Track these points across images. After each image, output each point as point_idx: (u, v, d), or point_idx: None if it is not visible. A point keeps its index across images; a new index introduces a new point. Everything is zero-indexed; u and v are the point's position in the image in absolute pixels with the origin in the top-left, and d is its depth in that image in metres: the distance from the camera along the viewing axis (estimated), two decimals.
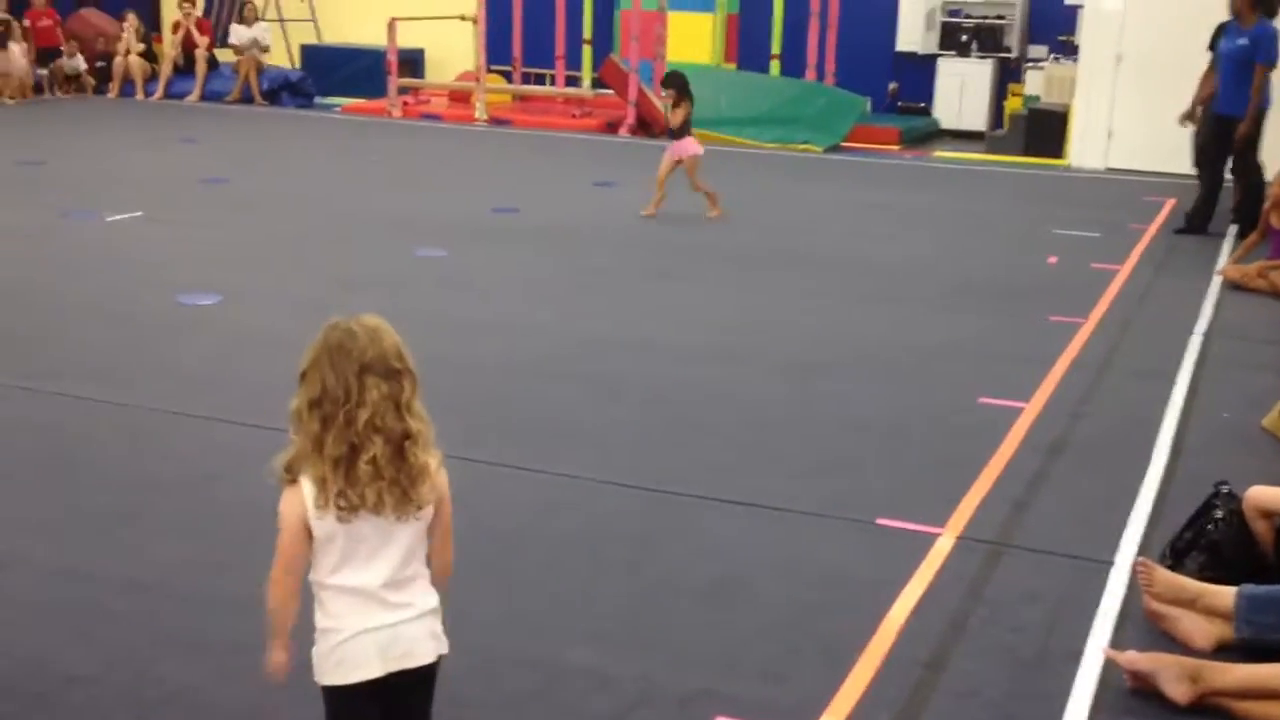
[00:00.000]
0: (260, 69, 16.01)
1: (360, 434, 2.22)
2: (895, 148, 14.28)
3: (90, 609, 3.61)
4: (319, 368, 2.23)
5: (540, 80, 16.55)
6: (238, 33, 16.07)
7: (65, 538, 4.08)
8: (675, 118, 9.57)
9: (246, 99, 15.90)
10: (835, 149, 13.78)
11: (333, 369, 2.22)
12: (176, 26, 16.46)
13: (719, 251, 8.65)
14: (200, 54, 16.10)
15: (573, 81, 16.03)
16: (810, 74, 14.53)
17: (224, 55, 16.46)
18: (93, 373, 5.72)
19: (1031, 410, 5.51)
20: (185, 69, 16.25)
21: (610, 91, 15.12)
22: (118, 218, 8.99)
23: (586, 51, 15.68)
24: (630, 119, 14.51)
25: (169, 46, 16.65)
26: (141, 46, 16.31)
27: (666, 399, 5.63)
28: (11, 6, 15.94)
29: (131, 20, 16.19)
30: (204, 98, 16.01)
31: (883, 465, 4.91)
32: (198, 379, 5.71)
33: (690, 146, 9.52)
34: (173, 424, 5.13)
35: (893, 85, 16.17)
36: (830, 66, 14.66)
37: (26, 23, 15.78)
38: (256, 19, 16.16)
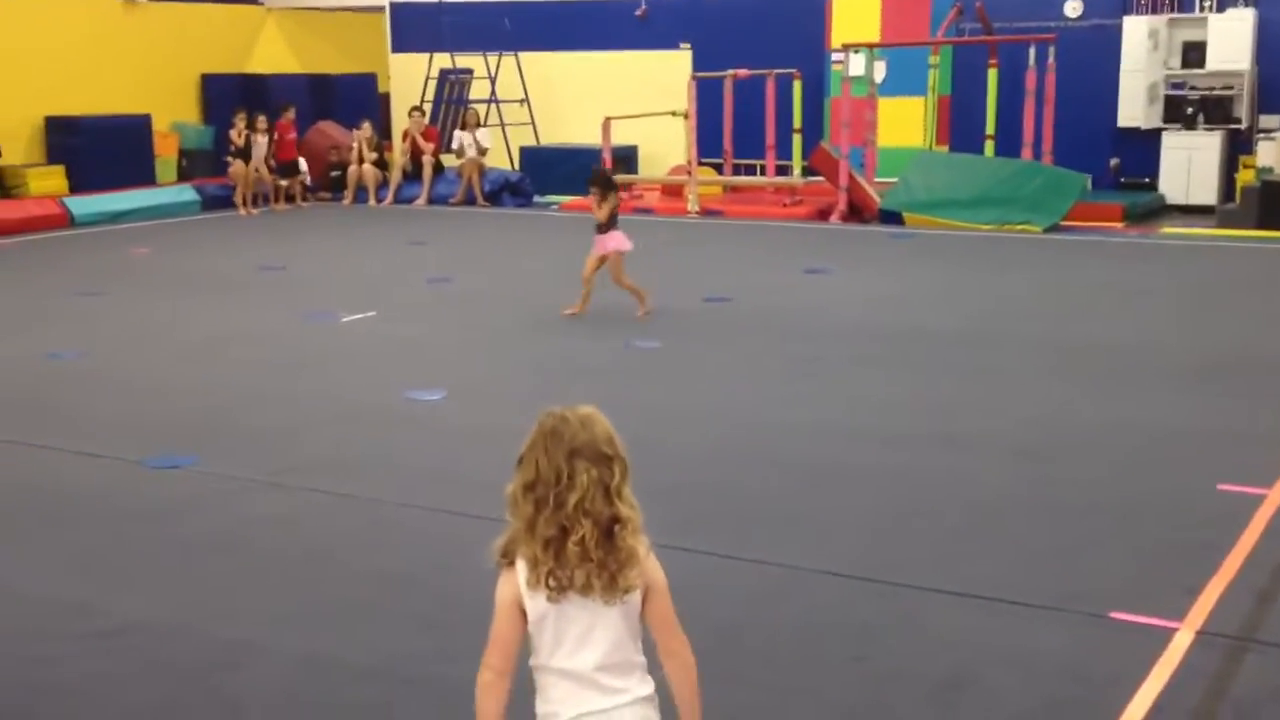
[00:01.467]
0: (482, 172, 16.70)
1: (570, 516, 2.28)
2: (1119, 225, 13.83)
3: (330, 698, 3.76)
4: (534, 452, 2.31)
5: (751, 171, 16.74)
6: (461, 139, 16.82)
7: (306, 627, 4.26)
8: (601, 213, 9.27)
9: (470, 201, 16.59)
10: (1055, 228, 13.44)
11: (546, 454, 2.29)
12: (405, 135, 17.34)
13: (935, 335, 8.51)
14: (427, 160, 16.90)
15: (783, 170, 16.15)
16: (1027, 153, 14.27)
17: (449, 160, 17.23)
18: (330, 467, 5.99)
19: (1275, 497, 5.20)
20: (414, 175, 17.07)
21: (821, 179, 15.16)
22: (352, 318, 9.45)
23: (796, 140, 15.80)
24: (842, 205, 14.51)
25: (398, 154, 17.54)
26: (374, 155, 17.23)
27: (885, 485, 5.54)
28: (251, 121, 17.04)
29: (365, 131, 17.15)
30: (431, 201, 16.77)
31: (1116, 554, 4.70)
32: (427, 472, 5.91)
33: (614, 242, 9.23)
34: (405, 516, 5.32)
35: (1114, 161, 15.71)
36: (1047, 144, 14.36)
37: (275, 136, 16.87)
38: (478, 125, 16.89)
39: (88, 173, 16.28)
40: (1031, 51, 14.24)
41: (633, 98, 16.33)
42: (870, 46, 15.13)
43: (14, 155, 16.26)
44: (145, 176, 16.99)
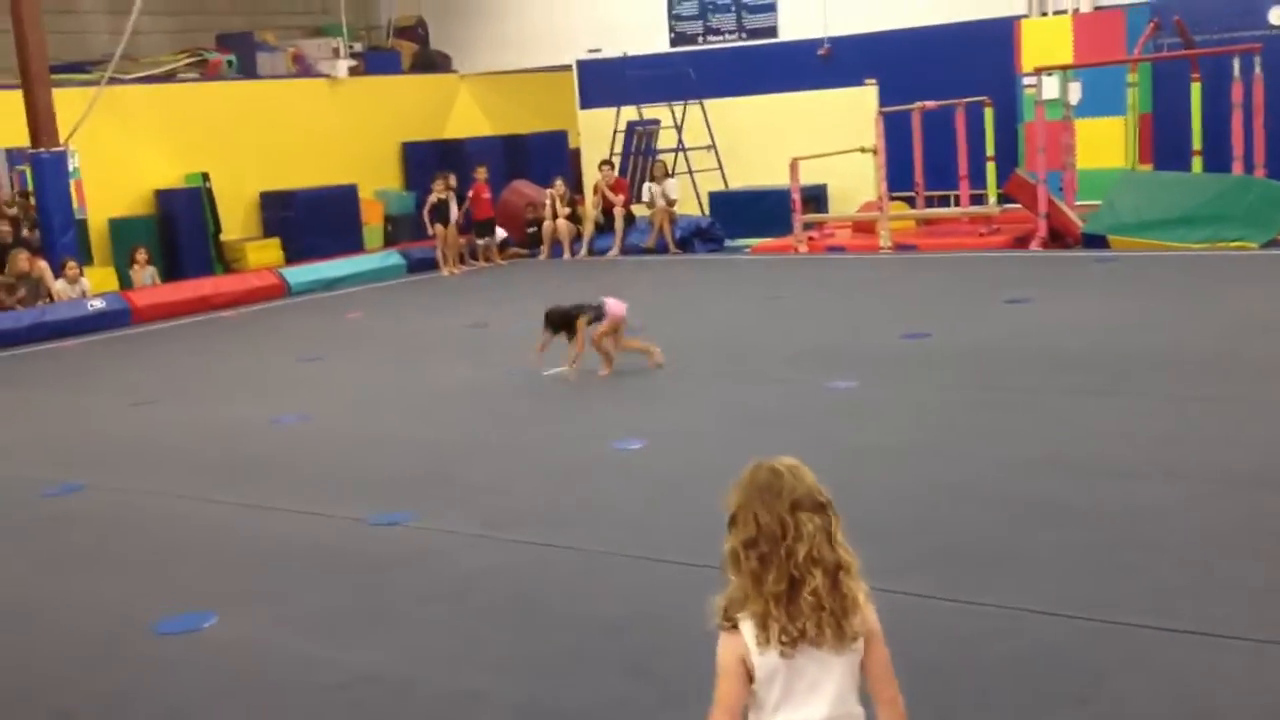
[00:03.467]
0: (673, 220, 16.89)
1: (800, 567, 2.29)
2: None
3: None
4: (750, 508, 2.32)
5: (944, 202, 16.48)
6: (650, 191, 17.08)
7: (524, 676, 4.37)
8: (544, 346, 9.42)
9: (662, 249, 16.79)
10: (1273, 244, 12.80)
11: (765, 508, 2.30)
12: (595, 189, 17.70)
13: (1149, 361, 8.20)
14: (618, 212, 17.19)
15: (977, 200, 15.85)
16: (1237, 167, 13.66)
17: (640, 210, 17.50)
18: (539, 518, 6.13)
19: None
20: (606, 227, 17.39)
21: (1018, 206, 14.82)
22: (553, 371, 9.65)
23: (990, 168, 15.50)
24: (1041, 232, 14.14)
25: (590, 208, 17.90)
26: (567, 210, 17.62)
27: (1102, 520, 5.36)
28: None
29: (557, 187, 17.58)
30: (624, 251, 17.03)
31: None
32: (634, 521, 5.99)
33: (613, 309, 9.29)
34: (614, 565, 5.41)
35: None
36: (1259, 157, 13.72)
37: (470, 194, 17.43)
38: (666, 176, 17.12)
39: (301, 243, 17.15)
40: (1236, 63, 13.66)
41: (820, 136, 16.31)
42: (1064, 68, 14.76)
43: (233, 230, 17.26)
44: (354, 244, 17.79)
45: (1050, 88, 14.62)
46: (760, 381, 8.76)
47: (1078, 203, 14.37)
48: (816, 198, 16.85)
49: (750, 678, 2.33)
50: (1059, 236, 14.11)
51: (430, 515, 6.28)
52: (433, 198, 16.68)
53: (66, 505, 7.06)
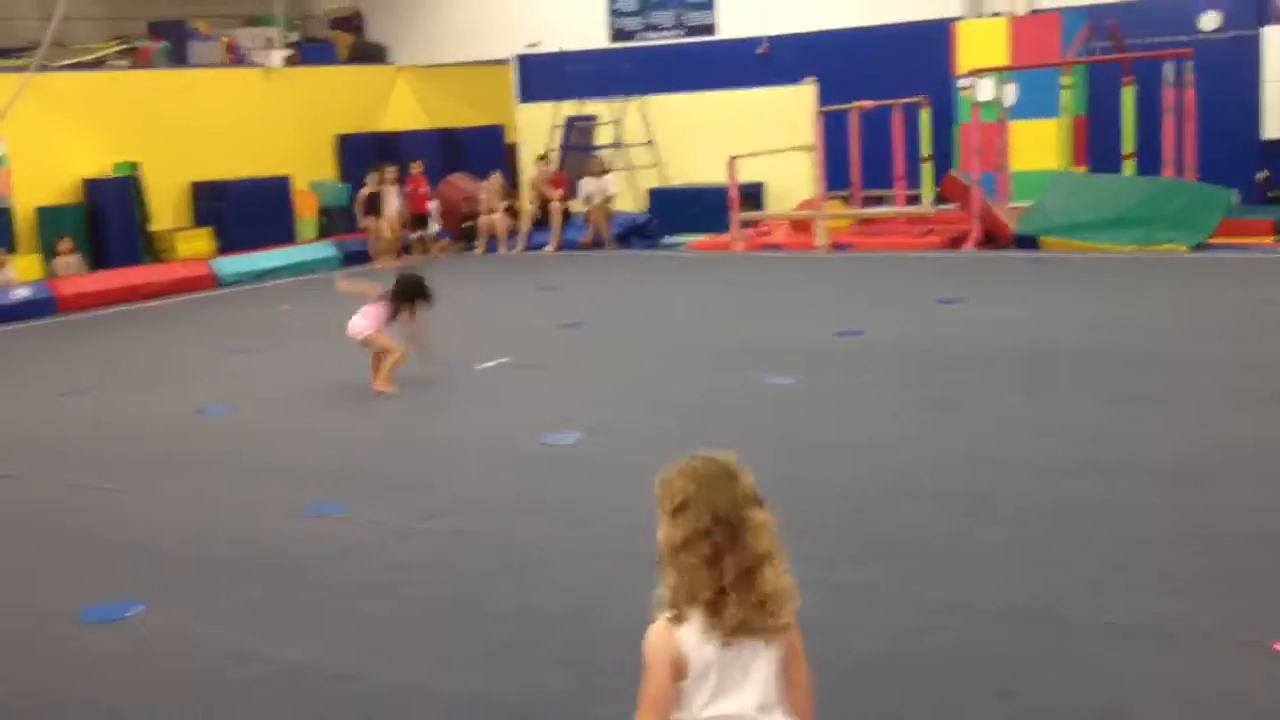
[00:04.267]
0: (610, 216, 16.87)
1: (751, 558, 2.31)
2: (1270, 240, 13.34)
3: None
4: (703, 499, 2.31)
5: (879, 202, 16.60)
6: (587, 187, 17.04)
7: (462, 669, 4.33)
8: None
9: (599, 245, 16.76)
10: (1203, 246, 13.03)
11: (720, 498, 2.31)
12: (534, 184, 17.63)
13: (1079, 361, 8.31)
14: (555, 207, 17.14)
15: (913, 200, 15.98)
16: (1169, 170, 13.89)
17: (577, 206, 17.46)
18: (472, 511, 6.09)
19: None
20: (543, 222, 17.33)
21: (953, 207, 14.96)
22: (487, 365, 9.59)
23: (926, 169, 15.63)
24: (976, 233, 14.29)
25: (527, 203, 17.83)
26: (504, 204, 17.54)
27: (1031, 516, 5.42)
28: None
29: (494, 181, 17.48)
30: (560, 247, 16.98)
31: (1278, 583, 4.51)
32: (568, 515, 5.96)
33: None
34: (549, 559, 5.38)
35: (1262, 174, 15.18)
36: (1190, 161, 13.96)
37: (408, 189, 17.28)
38: (604, 171, 17.09)
39: (233, 234, 16.90)
40: (1168, 67, 13.88)
41: (758, 135, 16.33)
42: (999, 70, 14.91)
43: (164, 220, 16.96)
44: (287, 235, 17.56)
45: (985, 89, 14.77)
46: (698, 376, 8.76)
47: (1012, 204, 14.53)
48: (754, 195, 16.89)
49: (680, 675, 2.33)
50: (993, 238, 14.27)
51: (361, 507, 6.21)
52: (365, 190, 16.54)
53: None
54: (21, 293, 13.84)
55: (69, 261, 15.12)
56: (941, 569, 4.88)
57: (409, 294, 8.95)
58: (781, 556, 2.35)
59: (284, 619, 4.91)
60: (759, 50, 17.96)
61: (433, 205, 17.58)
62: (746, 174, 16.03)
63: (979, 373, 8.23)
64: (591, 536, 5.54)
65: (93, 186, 16.35)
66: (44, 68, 15.43)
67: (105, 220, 16.16)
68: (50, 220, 15.62)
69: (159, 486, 6.87)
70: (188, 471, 7.14)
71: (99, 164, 16.50)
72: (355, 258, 16.88)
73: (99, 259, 15.76)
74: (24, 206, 15.58)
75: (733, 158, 15.55)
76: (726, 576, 2.29)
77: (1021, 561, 4.91)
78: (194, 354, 11.21)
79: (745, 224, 16.00)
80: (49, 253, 15.25)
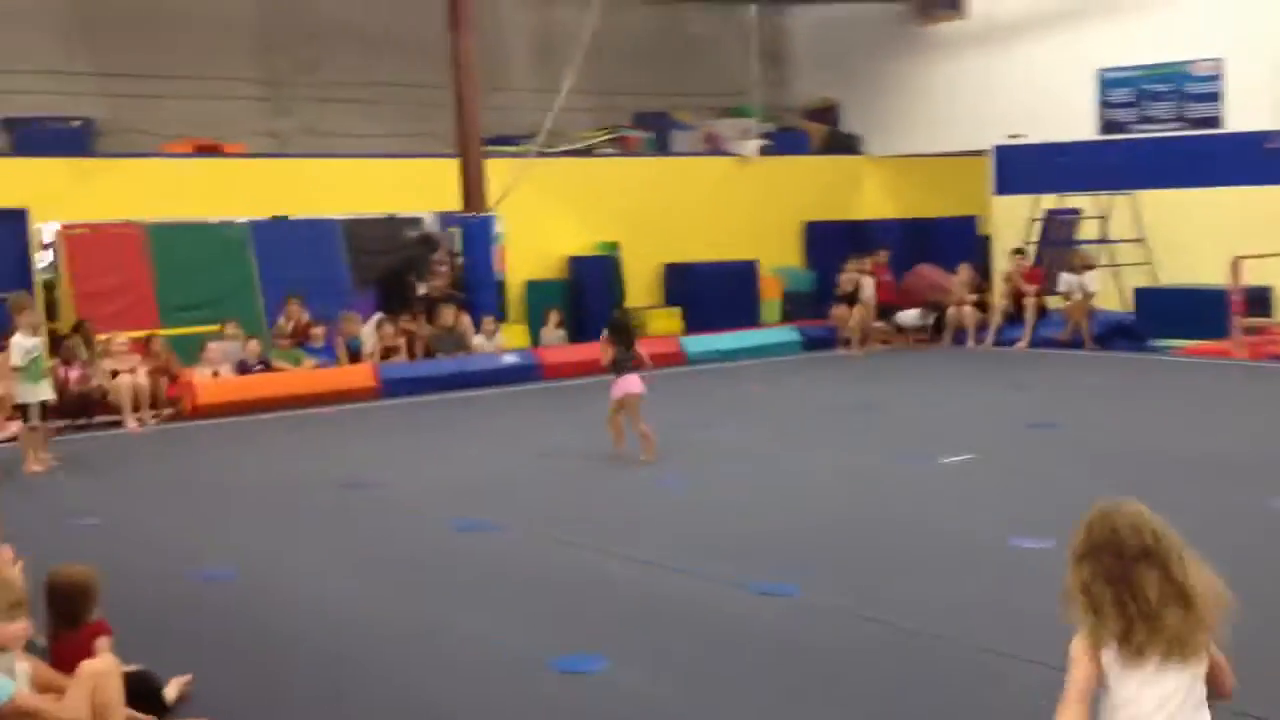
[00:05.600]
0: (1090, 314, 15.89)
1: (1188, 586, 2.77)
2: None
3: None
4: (1103, 550, 2.86)
5: None
6: (1068, 282, 16.16)
7: None
8: (605, 355, 9.73)
9: (1077, 344, 15.79)
10: None
11: (1117, 545, 2.85)
12: (1007, 277, 16.95)
13: None
14: (1029, 302, 16.36)
15: None
16: None
17: (1053, 302, 16.60)
18: (929, 609, 5.69)
19: None
20: (1015, 317, 16.59)
21: None
22: (949, 460, 9.11)
23: None
24: None
25: (998, 296, 17.15)
26: (974, 297, 16.96)
27: None
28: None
29: (963, 273, 16.96)
30: (1033, 344, 16.16)
31: None
32: (1031, 622, 5.43)
33: (623, 386, 9.46)
34: (1008, 666, 4.95)
35: None
36: None
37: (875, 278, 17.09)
38: (1086, 267, 16.14)
39: (700, 314, 17.39)
40: None
41: (1267, 235, 14.87)
42: None
43: (638, 298, 17.72)
44: (751, 318, 17.85)
45: None
46: (1184, 494, 7.82)
47: None
48: (1261, 300, 15.33)
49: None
50: None
51: (814, 591, 5.98)
52: (845, 277, 16.47)
53: (469, 541, 7.30)
54: (510, 359, 14.85)
55: (556, 333, 16.09)
56: None
57: (612, 328, 9.79)
58: (1200, 594, 2.74)
59: (731, 686, 4.75)
60: (1268, 144, 16.41)
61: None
62: (1252, 276, 14.61)
63: None
64: (1051, 646, 4.99)
65: (576, 263, 17.38)
66: (541, 154, 16.62)
67: (586, 295, 17.09)
68: (537, 293, 16.72)
69: (620, 546, 6.98)
70: (647, 536, 7.21)
71: (583, 243, 17.53)
72: (816, 343, 16.88)
73: (578, 331, 16.66)
74: (515, 280, 16.79)
75: (1237, 258, 14.22)
76: (1131, 608, 2.77)
77: None
78: (662, 427, 11.43)
79: (1249, 330, 14.53)
80: (536, 323, 16.28)
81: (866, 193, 20.41)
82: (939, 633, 5.35)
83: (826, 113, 21.05)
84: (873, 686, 4.84)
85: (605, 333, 9.87)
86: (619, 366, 9.54)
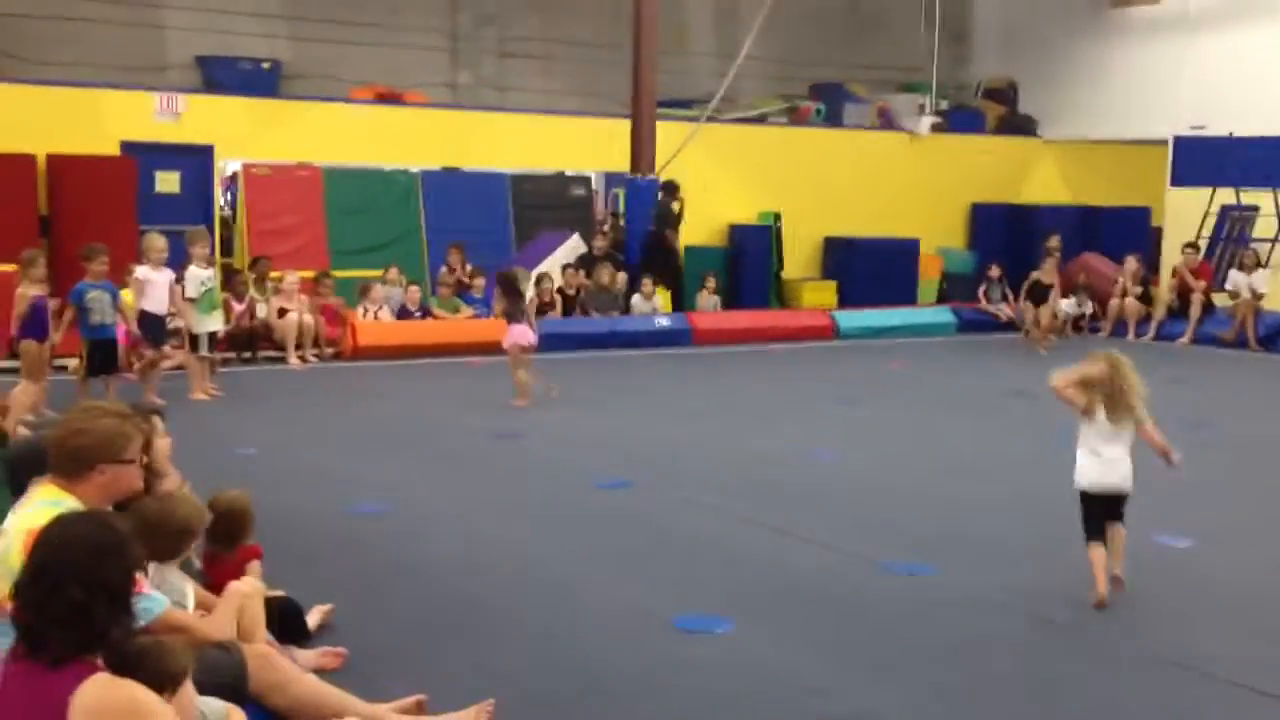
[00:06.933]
0: (1257, 314, 15.37)
1: None
2: None
3: None
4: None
5: None
6: (1236, 280, 15.65)
7: None
8: (496, 307, 10.97)
9: (1241, 343, 15.31)
10: None
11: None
12: (1174, 272, 16.48)
13: None
14: (1196, 298, 15.91)
15: None
16: None
17: (1220, 299, 16.10)
18: (1066, 598, 5.69)
19: None
20: (1180, 312, 16.14)
21: None
22: None
23: None
24: None
25: (1165, 290, 16.70)
26: (1139, 289, 16.54)
27: None
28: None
29: (1130, 264, 16.54)
30: (1196, 340, 15.72)
31: None
32: (1169, 620, 5.44)
33: (514, 335, 10.36)
34: (1147, 675, 4.98)
35: None
36: None
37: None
38: (1258, 266, 15.61)
39: (856, 289, 17.33)
40: None
41: None
42: None
43: (795, 269, 17.74)
44: (908, 296, 17.73)
45: None
46: None
47: None
48: None
49: None
50: None
51: (951, 571, 6.05)
52: (1037, 275, 15.59)
53: (609, 498, 7.49)
54: (664, 322, 15.06)
55: (711, 298, 16.21)
56: None
57: (501, 282, 10.69)
58: None
59: (857, 664, 4.89)
60: None
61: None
62: None
63: None
64: (1194, 652, 4.97)
65: (737, 231, 17.47)
66: (713, 119, 16.70)
67: (744, 263, 17.18)
68: (696, 258, 16.86)
69: (760, 514, 7.09)
70: (789, 507, 7.33)
71: (746, 211, 17.60)
72: (972, 325, 16.68)
73: (733, 298, 16.77)
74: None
75: None
76: None
77: None
78: (806, 399, 11.52)
79: None
80: (693, 288, 16.43)
81: (1037, 176, 20.03)
82: (1087, 623, 5.39)
83: (1005, 92, 20.66)
84: (999, 666, 4.90)
85: (497, 289, 10.88)
86: (510, 316, 10.45)
